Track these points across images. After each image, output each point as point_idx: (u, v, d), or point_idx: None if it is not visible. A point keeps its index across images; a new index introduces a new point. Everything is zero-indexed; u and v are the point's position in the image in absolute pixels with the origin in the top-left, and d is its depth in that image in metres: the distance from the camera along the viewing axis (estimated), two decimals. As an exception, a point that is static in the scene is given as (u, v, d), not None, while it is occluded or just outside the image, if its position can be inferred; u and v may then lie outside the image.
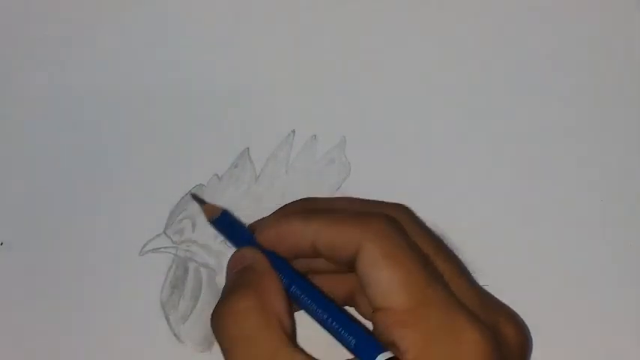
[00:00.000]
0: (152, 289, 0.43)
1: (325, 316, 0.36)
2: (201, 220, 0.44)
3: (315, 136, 0.46)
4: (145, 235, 0.44)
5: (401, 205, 0.39)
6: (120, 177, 0.46)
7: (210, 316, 0.43)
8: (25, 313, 0.44)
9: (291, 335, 0.35)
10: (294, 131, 0.46)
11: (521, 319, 0.38)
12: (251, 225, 0.41)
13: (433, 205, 0.43)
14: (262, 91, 0.47)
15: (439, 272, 0.35)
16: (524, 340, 0.36)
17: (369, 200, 0.40)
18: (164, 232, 0.44)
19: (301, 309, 0.38)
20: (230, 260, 0.39)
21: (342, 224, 0.36)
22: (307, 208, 0.38)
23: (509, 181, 0.45)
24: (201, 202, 0.43)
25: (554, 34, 0.47)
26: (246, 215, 0.44)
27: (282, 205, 0.41)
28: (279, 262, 0.38)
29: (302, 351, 0.34)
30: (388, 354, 0.33)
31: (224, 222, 0.42)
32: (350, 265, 0.35)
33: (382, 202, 0.39)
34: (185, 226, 0.44)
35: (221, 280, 0.43)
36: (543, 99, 0.46)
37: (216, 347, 0.42)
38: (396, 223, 0.36)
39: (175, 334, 0.43)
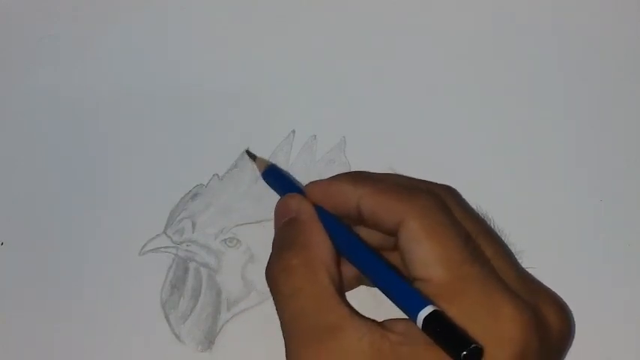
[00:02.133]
0: (152, 289, 0.43)
1: (370, 268, 0.36)
2: (201, 219, 0.44)
3: (315, 136, 0.46)
4: (145, 235, 0.44)
5: (447, 185, 0.39)
6: (120, 177, 0.46)
7: (209, 316, 0.43)
8: (25, 313, 0.44)
9: (338, 286, 0.35)
10: (294, 131, 0.46)
11: (564, 304, 0.38)
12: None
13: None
14: (262, 91, 0.47)
15: (480, 251, 0.35)
16: (565, 324, 0.36)
17: (416, 179, 0.40)
18: (164, 232, 0.44)
19: (348, 260, 0.37)
20: (276, 208, 0.39)
21: (388, 194, 0.36)
22: (358, 176, 0.39)
23: (509, 181, 0.45)
24: (253, 157, 0.44)
25: (554, 34, 0.47)
26: (247, 215, 0.44)
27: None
28: (325, 215, 0.38)
29: (347, 303, 0.35)
30: (432, 307, 0.32)
31: (273, 175, 0.42)
32: (392, 234, 0.36)
33: (429, 182, 0.39)
34: (185, 226, 0.44)
35: (221, 280, 0.43)
36: (543, 99, 0.46)
37: (216, 347, 0.43)
38: (440, 200, 0.36)
39: (175, 334, 0.43)
